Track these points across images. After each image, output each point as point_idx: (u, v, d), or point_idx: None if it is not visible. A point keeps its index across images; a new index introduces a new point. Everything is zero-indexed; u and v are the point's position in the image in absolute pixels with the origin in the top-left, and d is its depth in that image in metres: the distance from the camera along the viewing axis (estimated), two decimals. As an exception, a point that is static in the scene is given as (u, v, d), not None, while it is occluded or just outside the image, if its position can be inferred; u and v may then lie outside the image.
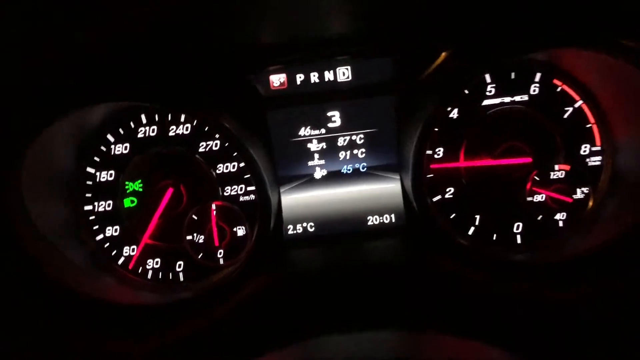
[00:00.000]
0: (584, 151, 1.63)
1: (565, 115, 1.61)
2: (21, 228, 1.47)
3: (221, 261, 1.66)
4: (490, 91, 1.61)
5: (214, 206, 1.64)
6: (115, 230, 1.68)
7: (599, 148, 1.62)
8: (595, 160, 1.63)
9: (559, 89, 1.61)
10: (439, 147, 1.63)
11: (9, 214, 1.44)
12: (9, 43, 1.21)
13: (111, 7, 1.15)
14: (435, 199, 1.64)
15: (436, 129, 1.60)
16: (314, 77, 1.65)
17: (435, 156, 1.64)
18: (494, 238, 1.65)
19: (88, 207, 1.67)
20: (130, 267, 1.69)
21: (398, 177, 1.68)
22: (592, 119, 1.62)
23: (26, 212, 1.47)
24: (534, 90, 1.61)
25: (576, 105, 1.61)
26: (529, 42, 1.43)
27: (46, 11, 1.12)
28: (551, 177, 1.62)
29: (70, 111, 1.42)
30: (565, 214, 1.63)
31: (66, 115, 1.42)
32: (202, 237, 1.65)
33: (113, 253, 1.69)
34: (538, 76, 1.60)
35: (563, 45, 1.44)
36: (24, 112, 1.40)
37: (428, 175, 1.63)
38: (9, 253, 1.45)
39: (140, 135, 1.65)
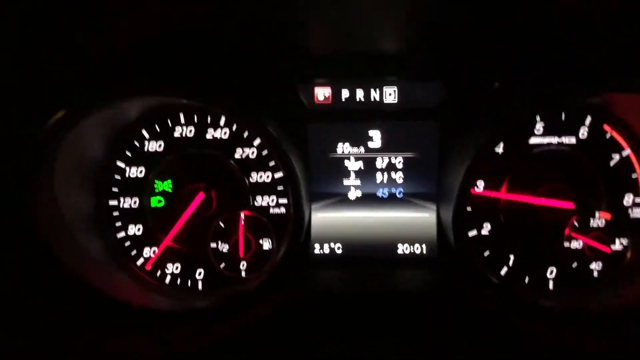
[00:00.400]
0: (627, 202, 1.59)
1: (612, 163, 1.58)
2: (45, 212, 1.43)
3: (243, 273, 1.60)
4: (538, 129, 1.57)
5: (242, 215, 1.59)
6: (139, 229, 1.63)
7: (643, 200, 1.59)
8: (638, 212, 1.58)
9: (608, 136, 1.57)
10: (481, 179, 1.59)
11: (36, 198, 1.39)
12: (57, 30, 1.18)
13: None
14: (471, 234, 1.59)
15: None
16: (360, 94, 1.61)
17: (476, 189, 1.59)
18: (526, 280, 1.60)
19: (113, 202, 1.62)
20: (147, 267, 1.63)
21: (434, 207, 1.63)
22: (638, 170, 1.58)
23: (54, 198, 1.43)
24: (583, 134, 1.57)
25: (624, 153, 1.57)
26: (584, 85, 1.40)
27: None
28: (591, 224, 1.57)
29: (113, 103, 1.38)
30: (601, 264, 1.58)
31: (110, 106, 1.38)
32: (227, 246, 1.59)
33: (133, 252, 1.63)
34: (588, 120, 1.56)
35: (618, 89, 1.41)
36: (63, 101, 1.36)
37: (467, 208, 1.58)
38: (25, 234, 1.40)
39: (176, 134, 1.60)
